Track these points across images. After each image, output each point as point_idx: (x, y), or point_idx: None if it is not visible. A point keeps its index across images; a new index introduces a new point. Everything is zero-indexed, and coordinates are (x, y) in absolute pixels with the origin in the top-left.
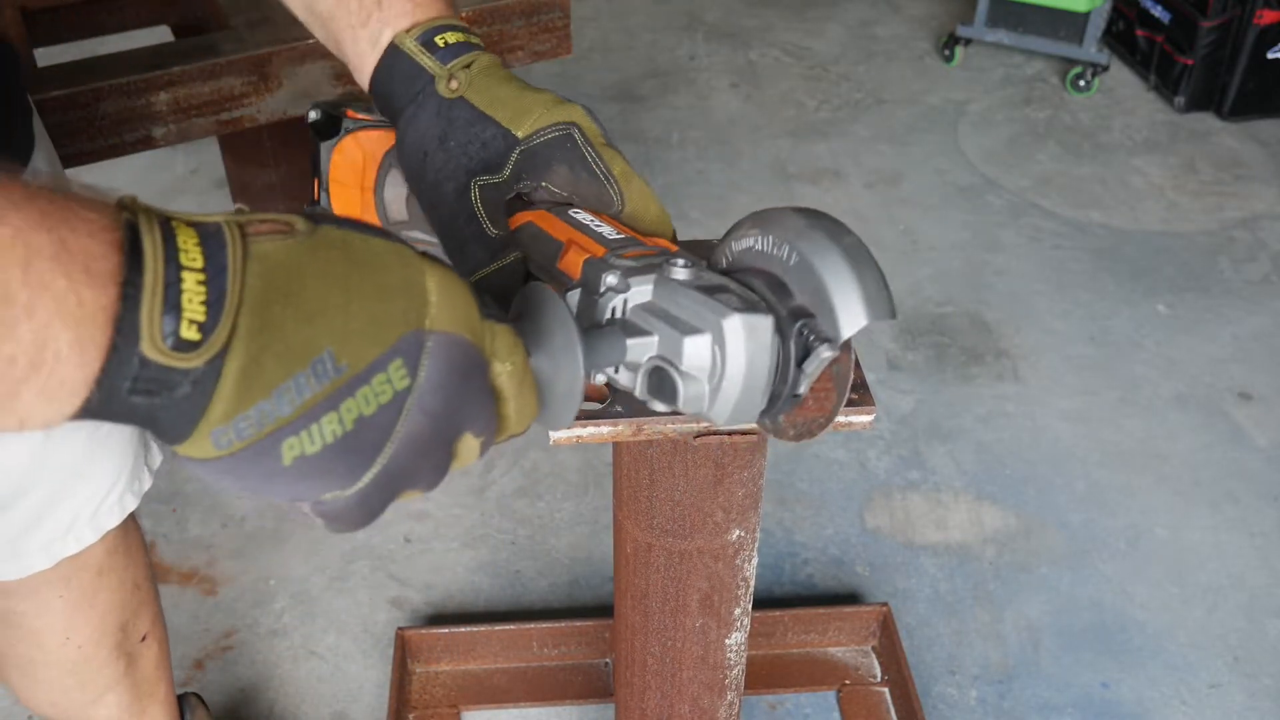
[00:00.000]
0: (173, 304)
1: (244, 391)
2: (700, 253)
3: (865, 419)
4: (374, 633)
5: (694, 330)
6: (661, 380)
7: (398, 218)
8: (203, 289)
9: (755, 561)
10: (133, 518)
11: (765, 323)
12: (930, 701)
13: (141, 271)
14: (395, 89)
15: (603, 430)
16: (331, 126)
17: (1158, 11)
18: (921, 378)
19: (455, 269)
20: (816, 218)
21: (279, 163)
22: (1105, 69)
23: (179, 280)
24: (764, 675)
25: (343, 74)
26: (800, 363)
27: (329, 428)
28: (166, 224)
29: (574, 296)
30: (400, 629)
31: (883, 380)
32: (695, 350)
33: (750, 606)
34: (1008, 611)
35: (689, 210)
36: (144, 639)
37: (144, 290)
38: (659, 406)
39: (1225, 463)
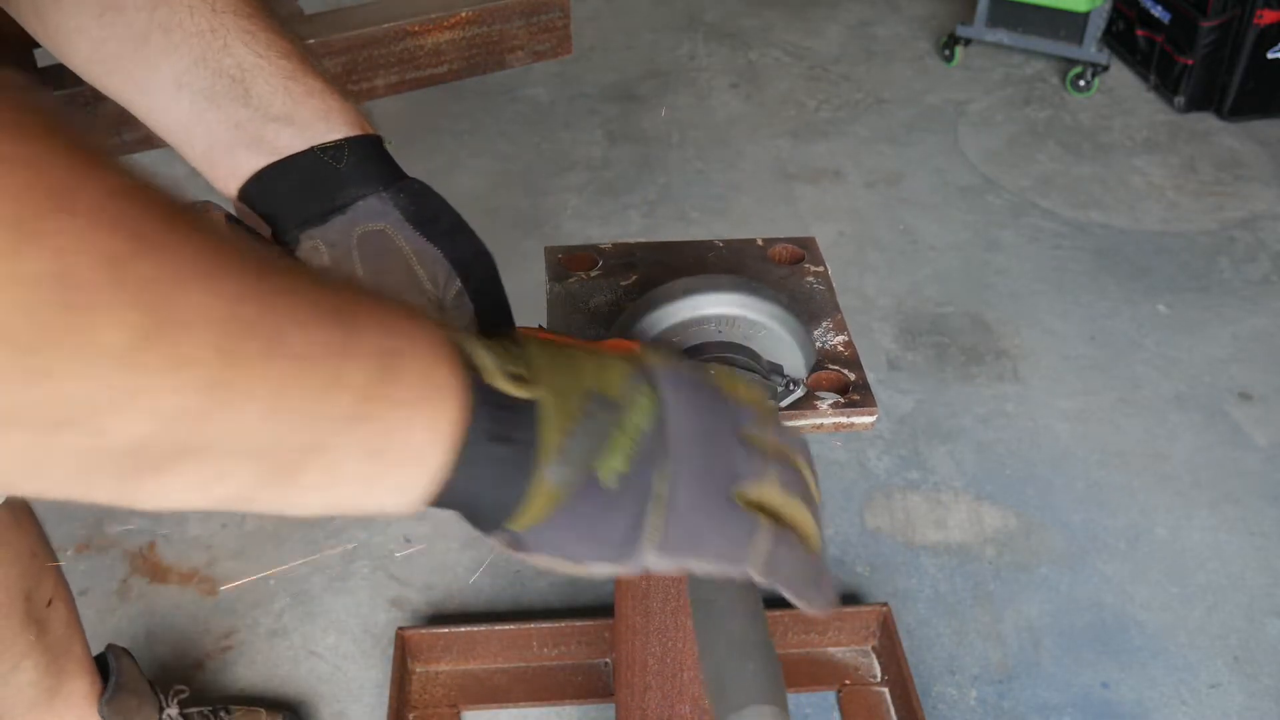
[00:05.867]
0: (497, 355)
1: (562, 418)
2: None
3: (867, 420)
4: (374, 633)
5: None
6: None
7: None
8: (506, 350)
9: None
10: None
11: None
12: (930, 701)
13: (466, 345)
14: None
15: None
16: None
17: (1158, 11)
18: (921, 378)
19: None
20: (756, 291)
21: None
22: (1105, 69)
23: (490, 346)
24: None
25: (345, 75)
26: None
27: (623, 442)
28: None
29: None
30: (400, 629)
31: (883, 380)
32: None
33: None
34: (1008, 611)
35: (689, 210)
36: (50, 603)
37: (470, 347)
38: None
39: (1225, 463)
